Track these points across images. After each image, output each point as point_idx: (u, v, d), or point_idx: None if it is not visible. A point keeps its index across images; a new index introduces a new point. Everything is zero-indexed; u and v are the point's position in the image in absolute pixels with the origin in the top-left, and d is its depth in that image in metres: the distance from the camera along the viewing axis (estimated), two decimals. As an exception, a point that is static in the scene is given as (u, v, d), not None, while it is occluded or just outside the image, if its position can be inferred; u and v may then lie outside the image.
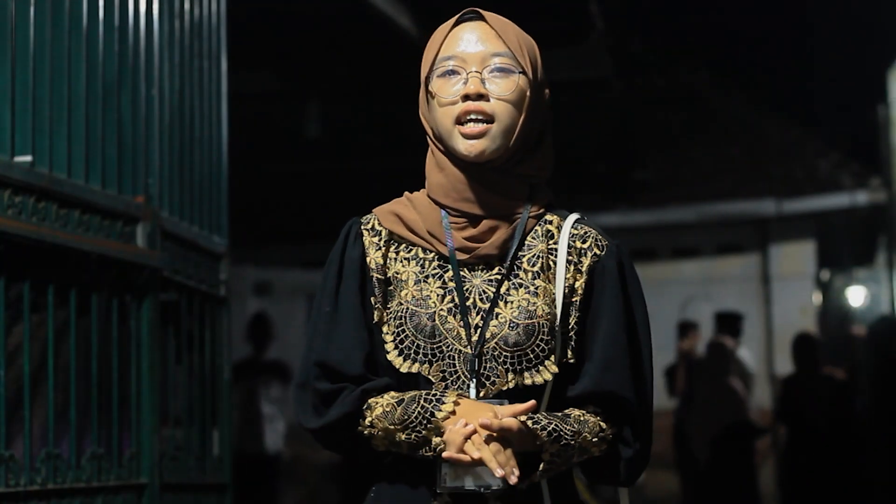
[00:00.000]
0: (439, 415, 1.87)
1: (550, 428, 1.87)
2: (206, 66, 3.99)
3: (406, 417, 1.88)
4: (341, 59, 8.07)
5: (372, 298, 1.98)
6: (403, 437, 1.89)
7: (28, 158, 2.93)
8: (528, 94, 1.98)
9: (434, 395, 1.89)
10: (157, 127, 3.60)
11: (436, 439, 1.87)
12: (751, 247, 13.92)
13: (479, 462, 1.84)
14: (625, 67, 11.73)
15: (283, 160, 10.46)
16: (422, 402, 1.88)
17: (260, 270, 12.94)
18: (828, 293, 14.13)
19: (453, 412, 1.87)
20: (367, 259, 2.00)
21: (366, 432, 1.93)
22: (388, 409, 1.90)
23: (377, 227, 2.02)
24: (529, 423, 1.86)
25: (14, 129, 2.90)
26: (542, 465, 1.87)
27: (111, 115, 3.35)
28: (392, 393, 1.93)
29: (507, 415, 1.85)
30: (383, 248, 2.00)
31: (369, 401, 1.93)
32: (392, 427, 1.90)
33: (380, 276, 1.99)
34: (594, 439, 1.92)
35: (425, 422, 1.87)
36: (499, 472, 1.82)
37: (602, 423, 1.94)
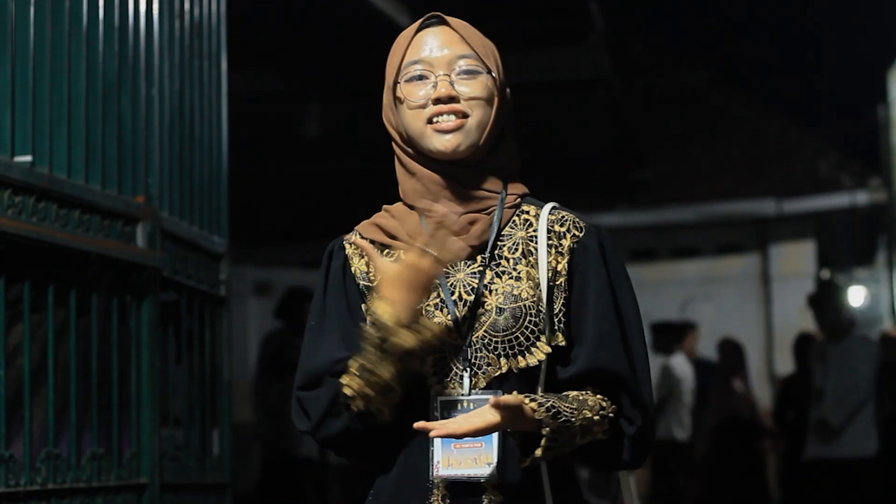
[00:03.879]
0: (381, 317, 1.87)
1: (548, 405, 1.87)
2: (206, 66, 3.98)
3: (373, 354, 1.87)
4: (341, 59, 8.07)
5: (362, 306, 2.00)
6: (388, 374, 1.87)
7: (28, 158, 2.92)
8: (495, 92, 2.01)
9: (369, 322, 1.90)
10: (157, 127, 3.60)
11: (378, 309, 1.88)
12: (751, 247, 13.92)
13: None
14: (625, 67, 11.73)
15: (283, 160, 10.46)
16: (369, 334, 1.88)
17: (260, 270, 12.94)
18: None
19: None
20: (352, 268, 2.02)
21: (361, 407, 1.90)
22: (356, 372, 1.89)
23: (359, 240, 2.04)
24: (526, 400, 1.86)
25: (14, 129, 2.89)
26: (542, 442, 1.87)
27: (111, 115, 3.34)
28: (350, 360, 1.92)
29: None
30: (366, 257, 2.02)
31: (341, 381, 1.91)
32: (376, 373, 1.87)
33: (367, 284, 2.01)
34: (596, 417, 1.92)
35: (386, 337, 1.86)
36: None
37: (602, 402, 1.94)
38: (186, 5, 3.84)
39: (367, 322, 1.92)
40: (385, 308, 1.88)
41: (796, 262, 13.58)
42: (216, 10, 4.07)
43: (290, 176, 10.88)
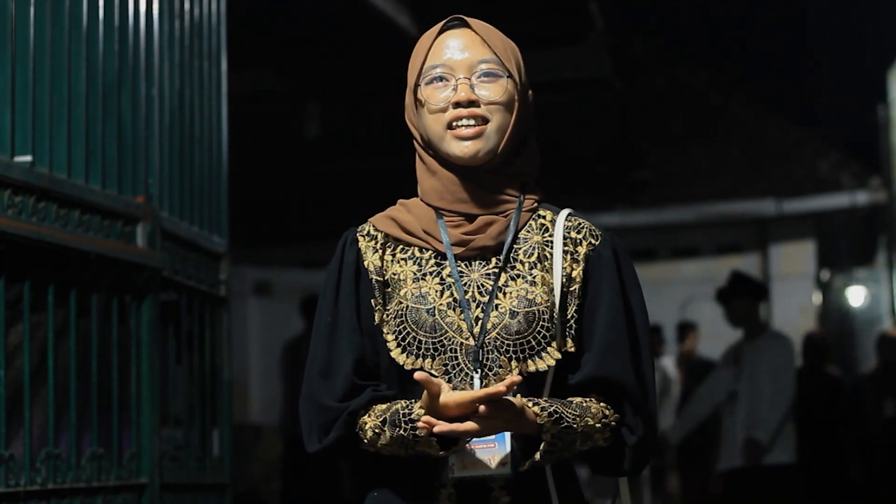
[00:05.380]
0: (421, 434, 1.89)
1: (551, 409, 1.89)
2: (206, 66, 3.98)
3: (395, 441, 1.92)
4: (341, 59, 8.07)
5: (372, 301, 2.00)
6: (403, 454, 1.94)
7: (28, 158, 2.92)
8: (516, 96, 2.01)
9: (406, 415, 1.91)
10: (157, 127, 3.60)
11: (432, 449, 1.89)
12: (751, 247, 13.91)
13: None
14: (625, 67, 11.73)
15: (283, 160, 10.46)
16: (402, 425, 1.90)
17: (260, 270, 12.94)
18: (828, 293, 14.13)
19: (430, 429, 1.87)
20: (365, 262, 2.02)
21: (371, 450, 1.96)
22: (377, 432, 1.93)
23: (373, 232, 2.05)
24: (529, 404, 1.88)
25: (14, 129, 2.89)
26: (542, 446, 1.88)
27: (111, 115, 3.34)
28: (376, 410, 1.95)
29: (484, 394, 1.83)
30: (380, 251, 2.03)
31: (359, 422, 1.96)
32: (390, 448, 1.94)
33: (378, 279, 2.01)
34: (598, 425, 1.93)
35: (413, 443, 1.90)
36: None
37: (605, 410, 1.95)
38: (186, 5, 3.84)
39: (401, 414, 1.91)
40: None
41: (796, 262, 13.57)
42: (216, 10, 4.07)
43: (290, 176, 10.88)
